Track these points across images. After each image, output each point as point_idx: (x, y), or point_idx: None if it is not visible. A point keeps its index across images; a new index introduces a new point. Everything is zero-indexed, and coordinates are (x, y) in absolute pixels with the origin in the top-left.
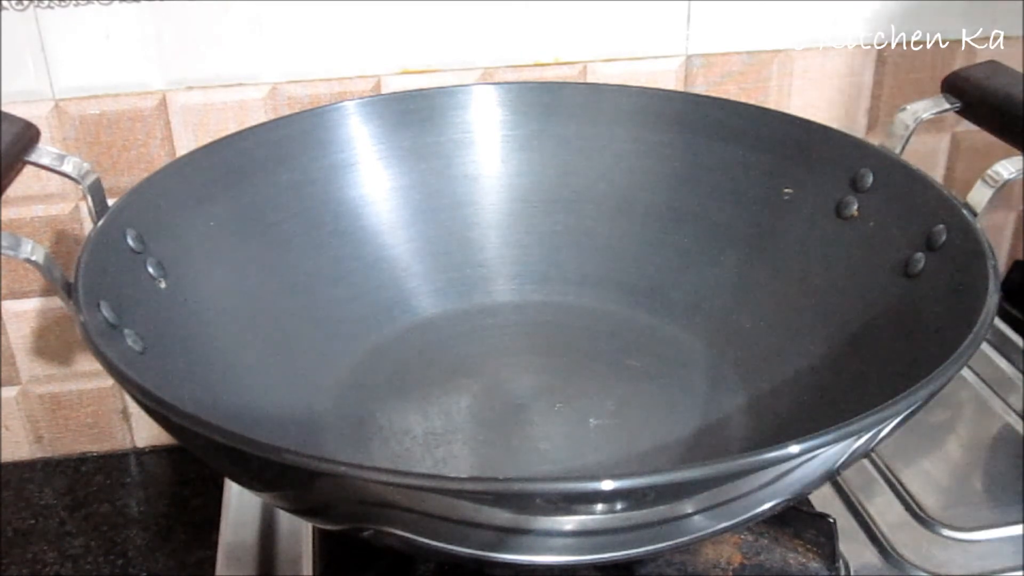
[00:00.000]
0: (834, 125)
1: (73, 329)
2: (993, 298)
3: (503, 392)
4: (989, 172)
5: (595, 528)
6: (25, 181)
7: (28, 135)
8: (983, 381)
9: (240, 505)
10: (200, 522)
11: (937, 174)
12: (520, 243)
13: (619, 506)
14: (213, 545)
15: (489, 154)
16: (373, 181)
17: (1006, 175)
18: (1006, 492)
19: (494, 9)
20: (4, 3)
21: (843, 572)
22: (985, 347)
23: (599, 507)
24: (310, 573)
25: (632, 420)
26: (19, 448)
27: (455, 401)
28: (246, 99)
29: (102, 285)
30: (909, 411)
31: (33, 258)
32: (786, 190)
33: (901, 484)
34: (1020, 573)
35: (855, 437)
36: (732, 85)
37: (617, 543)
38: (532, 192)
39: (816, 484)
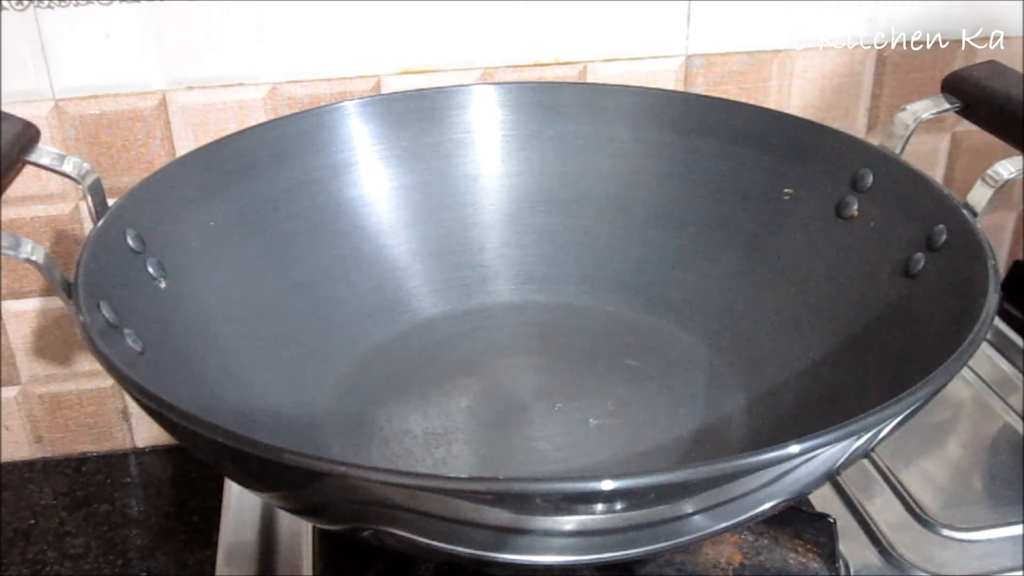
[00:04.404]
0: (834, 125)
1: (73, 329)
2: (993, 298)
3: (503, 392)
4: (989, 172)
5: (595, 528)
6: (25, 181)
7: (28, 135)
8: (983, 381)
9: (240, 505)
10: (200, 522)
11: (937, 174)
12: (520, 243)
13: (619, 506)
14: (213, 545)
15: (489, 154)
16: (373, 181)
17: (1006, 175)
18: (1006, 492)
19: (494, 9)
20: (4, 3)
21: (843, 572)
22: (985, 347)
23: (599, 507)
24: (310, 573)
25: (632, 420)
26: (19, 448)
27: (455, 401)
28: (246, 99)
29: (102, 285)
30: (909, 411)
31: (33, 258)
32: (786, 190)
33: (901, 484)
34: (1020, 573)
35: (855, 437)
36: (732, 85)
37: (617, 543)
38: (532, 192)
39: (816, 484)
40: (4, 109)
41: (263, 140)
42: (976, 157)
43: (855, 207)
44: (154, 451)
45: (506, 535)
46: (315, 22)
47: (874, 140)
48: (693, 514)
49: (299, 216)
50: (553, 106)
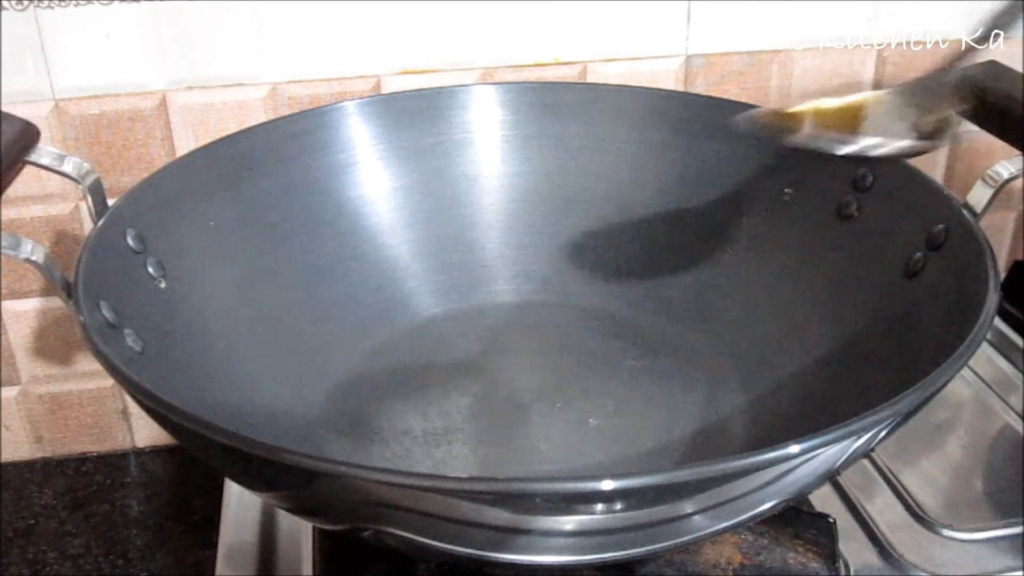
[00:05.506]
0: None
1: (73, 329)
2: (993, 298)
3: (503, 392)
4: (989, 172)
5: (595, 528)
6: (25, 181)
7: (28, 135)
8: (983, 381)
9: (240, 505)
10: (200, 522)
11: (937, 174)
12: (520, 243)
13: (619, 506)
14: (213, 545)
15: (489, 154)
16: (373, 181)
17: (1006, 175)
18: (1006, 492)
19: (494, 9)
20: (4, 3)
21: (843, 572)
22: (985, 347)
23: (599, 507)
24: (310, 573)
25: (632, 420)
26: (19, 448)
27: (455, 401)
28: (246, 99)
29: (102, 285)
30: (909, 411)
31: (33, 258)
32: (786, 190)
33: (901, 484)
34: (1020, 573)
35: (855, 437)
36: (732, 85)
37: (617, 543)
38: (532, 192)
39: (816, 484)
40: (4, 109)
41: (263, 140)
42: (976, 157)
43: (855, 207)
44: (154, 451)
45: (506, 535)
46: (315, 22)
47: None
48: (693, 514)
49: (299, 216)
50: (553, 106)
